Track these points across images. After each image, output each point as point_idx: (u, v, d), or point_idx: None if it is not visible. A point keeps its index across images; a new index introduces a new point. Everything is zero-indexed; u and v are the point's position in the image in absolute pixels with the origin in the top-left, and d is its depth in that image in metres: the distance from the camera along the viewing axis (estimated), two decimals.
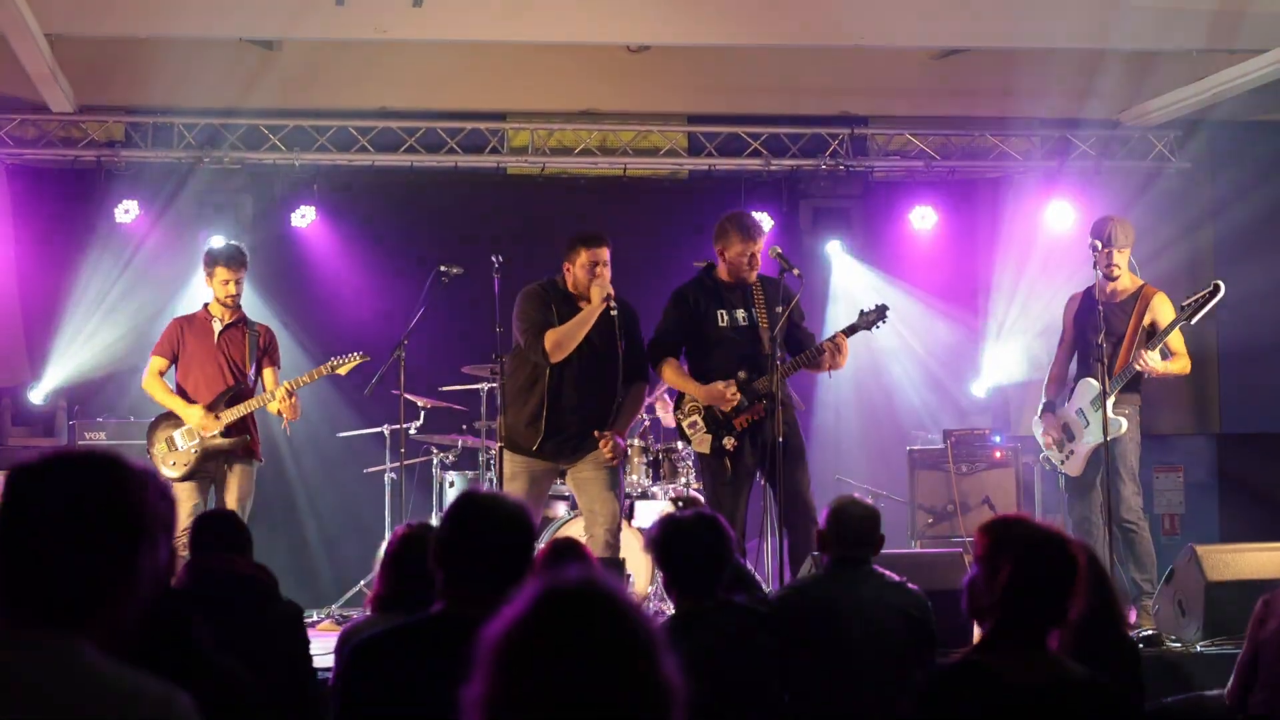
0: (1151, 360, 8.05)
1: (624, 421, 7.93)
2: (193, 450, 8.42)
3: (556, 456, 7.80)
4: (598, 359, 7.69)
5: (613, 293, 7.64)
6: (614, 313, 7.62)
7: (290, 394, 8.45)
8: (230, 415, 8.43)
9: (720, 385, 7.63)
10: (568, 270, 7.74)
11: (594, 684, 2.17)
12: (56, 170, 11.32)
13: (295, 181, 11.40)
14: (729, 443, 7.65)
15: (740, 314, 7.79)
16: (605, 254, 7.74)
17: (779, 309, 7.57)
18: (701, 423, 7.77)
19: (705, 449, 7.76)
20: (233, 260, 8.61)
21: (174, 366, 8.65)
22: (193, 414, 8.41)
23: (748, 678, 4.36)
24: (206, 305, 8.74)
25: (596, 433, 7.71)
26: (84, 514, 2.26)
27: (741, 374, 7.62)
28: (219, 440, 8.43)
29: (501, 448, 7.83)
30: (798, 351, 7.82)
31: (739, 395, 7.59)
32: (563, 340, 7.60)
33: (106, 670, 2.22)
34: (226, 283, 8.56)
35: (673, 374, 7.88)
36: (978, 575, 3.49)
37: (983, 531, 3.54)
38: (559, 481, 8.39)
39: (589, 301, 7.68)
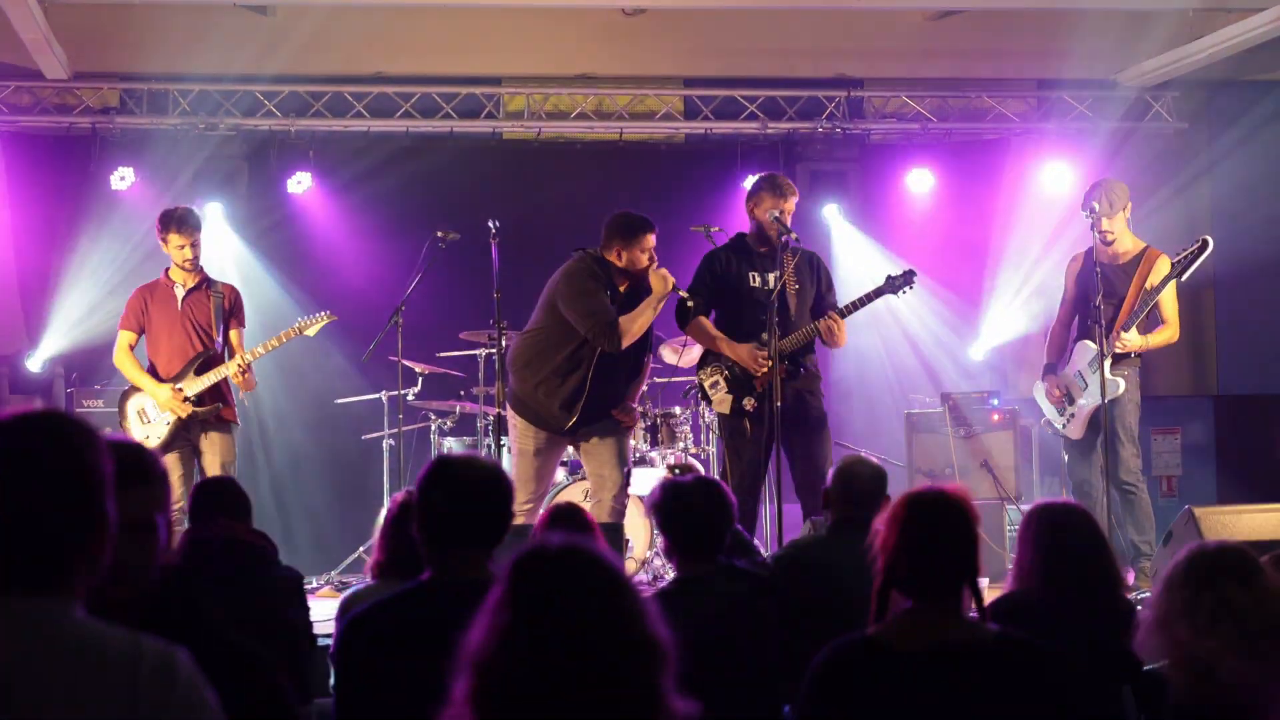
0: (1131, 340, 8.06)
1: (635, 391, 8.02)
2: (166, 421, 8.31)
3: (576, 431, 7.83)
4: (636, 343, 7.73)
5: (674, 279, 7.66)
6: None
7: (243, 369, 8.30)
8: (198, 385, 8.28)
9: (754, 348, 7.63)
10: (619, 251, 7.63)
11: (575, 644, 2.21)
12: (51, 137, 11.30)
13: (291, 148, 11.39)
14: (749, 403, 7.66)
15: (771, 277, 7.75)
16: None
17: (784, 272, 7.58)
18: (723, 383, 7.78)
19: (725, 409, 7.77)
20: (185, 224, 8.38)
21: (142, 337, 8.52)
22: (160, 393, 8.26)
23: (749, 641, 4.36)
24: (167, 270, 8.54)
25: (616, 412, 7.78)
26: (38, 472, 2.26)
27: (764, 335, 7.60)
28: (192, 408, 8.28)
29: (501, 416, 7.80)
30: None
31: (769, 361, 7.59)
32: (633, 330, 7.58)
33: (104, 631, 2.23)
34: (182, 247, 8.35)
35: (702, 332, 7.87)
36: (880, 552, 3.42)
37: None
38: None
39: (630, 279, 7.69)
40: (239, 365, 8.28)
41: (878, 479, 5.21)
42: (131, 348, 8.47)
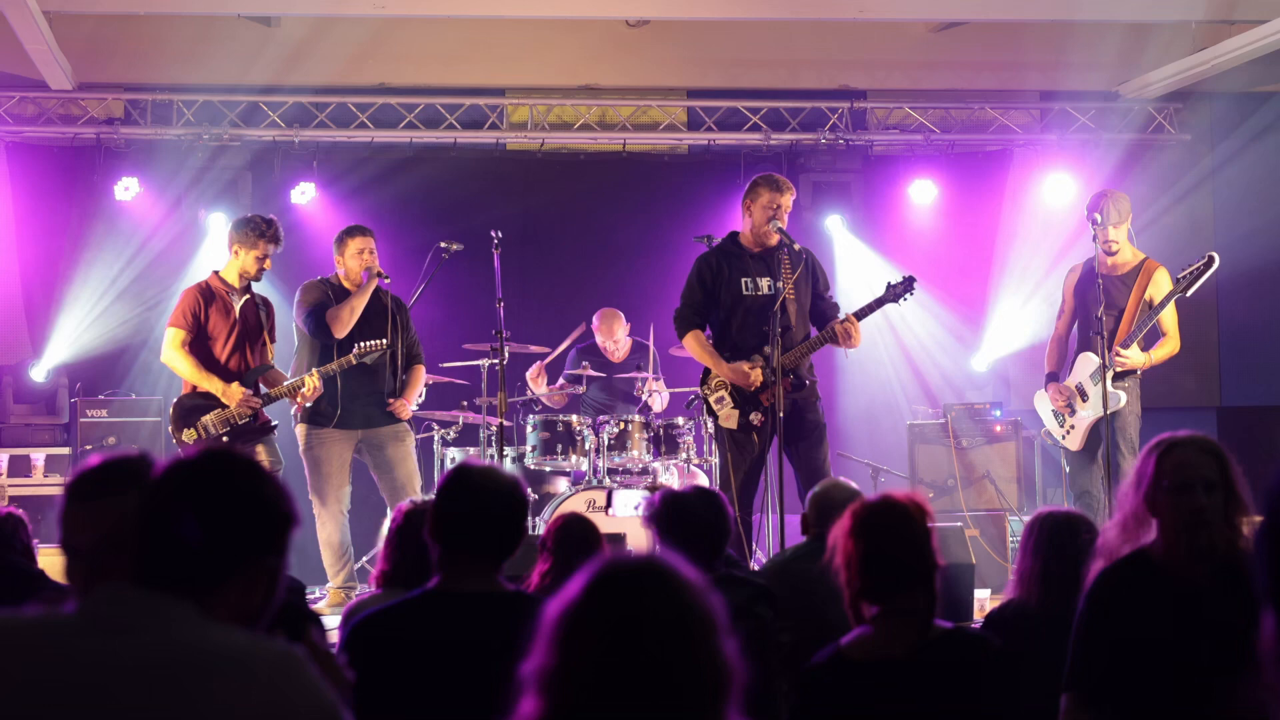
0: (1132, 358, 8.07)
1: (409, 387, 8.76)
2: (224, 438, 8.00)
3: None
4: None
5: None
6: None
7: (317, 390, 8.23)
8: (265, 399, 8.13)
9: (745, 366, 7.60)
10: (336, 260, 8.71)
11: (654, 661, 2.17)
12: (56, 148, 11.31)
13: (295, 158, 11.41)
14: (756, 418, 7.59)
15: (765, 282, 7.70)
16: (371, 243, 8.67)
17: (788, 281, 7.56)
18: (728, 398, 7.71)
19: (733, 424, 7.69)
20: (278, 238, 8.21)
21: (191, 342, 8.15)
22: (233, 393, 7.98)
23: (749, 648, 4.36)
24: (218, 274, 8.26)
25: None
26: (235, 499, 2.39)
27: (767, 349, 7.55)
28: (247, 423, 8.11)
29: (503, 425, 7.83)
30: (822, 322, 7.80)
31: (762, 376, 7.56)
32: (341, 318, 8.52)
33: (224, 630, 2.29)
34: (265, 258, 8.17)
35: (697, 347, 7.81)
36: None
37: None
38: (557, 459, 8.51)
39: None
40: (315, 386, 8.21)
41: (853, 502, 5.25)
42: (185, 345, 8.08)
